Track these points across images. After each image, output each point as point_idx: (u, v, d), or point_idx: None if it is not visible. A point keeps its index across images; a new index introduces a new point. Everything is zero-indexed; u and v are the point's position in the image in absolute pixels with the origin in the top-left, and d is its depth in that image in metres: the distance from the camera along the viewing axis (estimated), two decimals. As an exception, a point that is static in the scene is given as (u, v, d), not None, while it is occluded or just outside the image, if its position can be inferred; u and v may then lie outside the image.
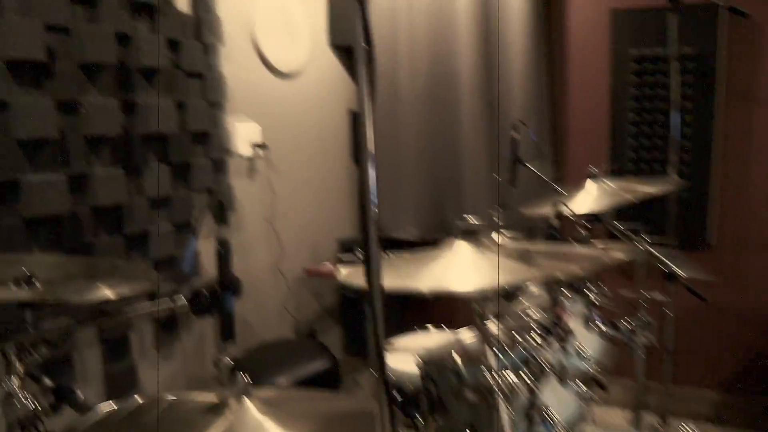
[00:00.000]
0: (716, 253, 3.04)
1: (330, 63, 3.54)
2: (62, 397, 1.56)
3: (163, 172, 2.52)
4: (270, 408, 1.16)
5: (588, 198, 2.26)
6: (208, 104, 2.73)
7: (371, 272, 0.90)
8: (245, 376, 1.18)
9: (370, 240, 0.91)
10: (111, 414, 1.28)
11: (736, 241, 3.01)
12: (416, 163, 3.58)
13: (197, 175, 2.68)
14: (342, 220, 3.71)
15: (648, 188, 2.26)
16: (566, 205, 2.06)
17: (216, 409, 1.15)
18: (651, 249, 2.23)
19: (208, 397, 1.20)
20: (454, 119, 3.48)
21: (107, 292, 1.51)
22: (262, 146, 3.03)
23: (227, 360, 2.68)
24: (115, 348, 2.41)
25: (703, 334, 3.13)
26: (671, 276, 2.25)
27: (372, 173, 0.92)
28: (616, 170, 3.15)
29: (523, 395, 1.51)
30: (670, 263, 2.21)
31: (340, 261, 3.28)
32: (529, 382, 1.51)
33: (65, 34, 2.15)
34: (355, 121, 3.74)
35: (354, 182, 3.79)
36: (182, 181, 2.63)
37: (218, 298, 1.45)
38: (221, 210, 1.47)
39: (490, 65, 3.35)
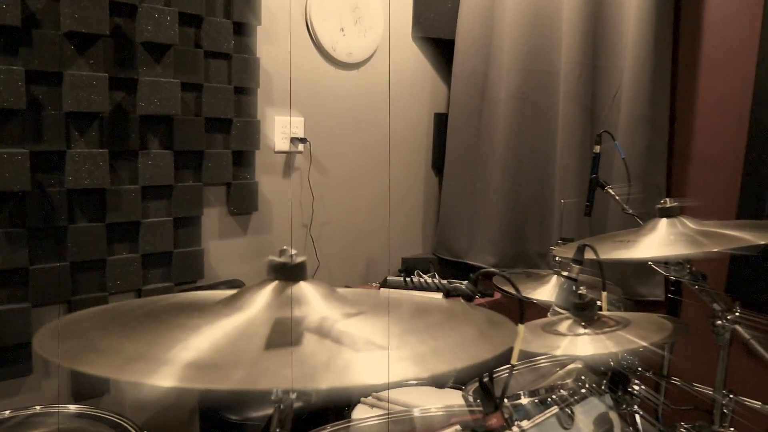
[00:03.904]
0: None
1: (405, 56, 3.06)
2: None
3: (165, 158, 2.27)
4: None
5: (653, 242, 1.55)
6: (235, 89, 2.43)
7: None
8: None
9: None
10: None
11: None
12: (500, 179, 2.99)
13: (211, 165, 2.40)
14: (410, 237, 3.23)
15: (748, 236, 1.48)
16: (592, 248, 1.38)
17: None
18: (742, 331, 1.50)
19: None
20: (549, 128, 2.85)
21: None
22: (303, 141, 2.67)
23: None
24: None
25: None
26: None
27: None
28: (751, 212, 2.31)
29: None
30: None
31: (385, 282, 2.81)
32: None
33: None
34: (441, 124, 3.23)
35: (426, 194, 3.28)
36: (190, 171, 2.36)
37: None
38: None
39: (596, 65, 2.67)
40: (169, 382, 0.59)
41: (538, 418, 1.05)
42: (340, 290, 0.87)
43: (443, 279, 2.91)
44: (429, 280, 2.85)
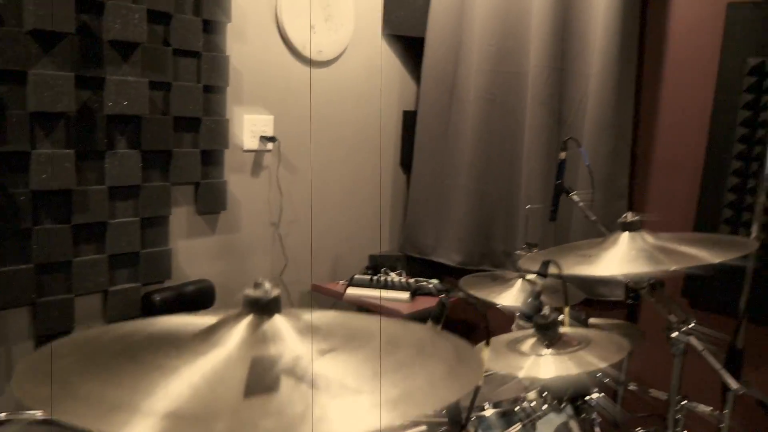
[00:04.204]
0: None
1: (375, 54, 3.07)
2: None
3: (132, 158, 2.24)
4: None
5: (614, 257, 1.61)
6: (204, 88, 2.42)
7: None
8: None
9: None
10: None
11: None
12: (468, 177, 3.03)
13: (179, 165, 2.38)
14: (376, 234, 3.26)
15: (705, 254, 1.54)
16: (556, 264, 1.43)
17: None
18: (696, 343, 1.57)
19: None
20: (516, 130, 2.89)
21: None
22: (272, 139, 2.66)
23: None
24: None
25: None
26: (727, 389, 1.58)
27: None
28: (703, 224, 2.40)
29: None
30: (723, 370, 1.54)
31: (351, 281, 2.84)
32: None
33: None
34: (410, 122, 3.25)
35: (394, 191, 3.31)
36: (158, 171, 2.34)
37: None
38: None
39: (564, 69, 2.72)
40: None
41: (503, 435, 1.09)
42: (314, 316, 0.89)
43: (411, 277, 2.96)
44: (396, 279, 2.89)
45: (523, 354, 1.17)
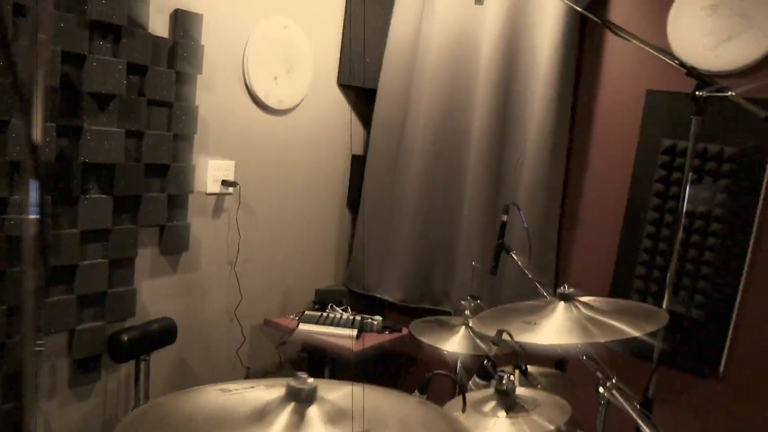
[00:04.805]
0: (727, 384, 2.60)
1: (329, 102, 3.28)
2: None
3: (105, 204, 2.34)
4: None
5: (552, 326, 1.87)
6: (174, 136, 2.54)
7: None
8: None
9: None
10: None
11: (749, 371, 2.55)
12: (411, 221, 3.27)
13: (147, 209, 2.49)
14: (322, 270, 3.45)
15: (627, 327, 1.82)
16: (507, 332, 1.69)
17: None
18: (617, 398, 1.86)
19: None
20: (459, 182, 3.16)
21: None
22: (232, 184, 2.81)
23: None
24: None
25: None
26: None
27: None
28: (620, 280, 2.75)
29: None
30: (638, 418, 1.83)
31: (302, 317, 3.02)
32: None
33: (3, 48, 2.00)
34: (358, 165, 3.47)
35: (340, 230, 3.52)
36: (128, 215, 2.45)
37: None
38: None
39: (504, 131, 3.02)
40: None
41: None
42: (336, 396, 1.08)
43: (355, 312, 3.17)
44: (344, 316, 3.09)
45: (485, 415, 1.41)
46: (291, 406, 1.01)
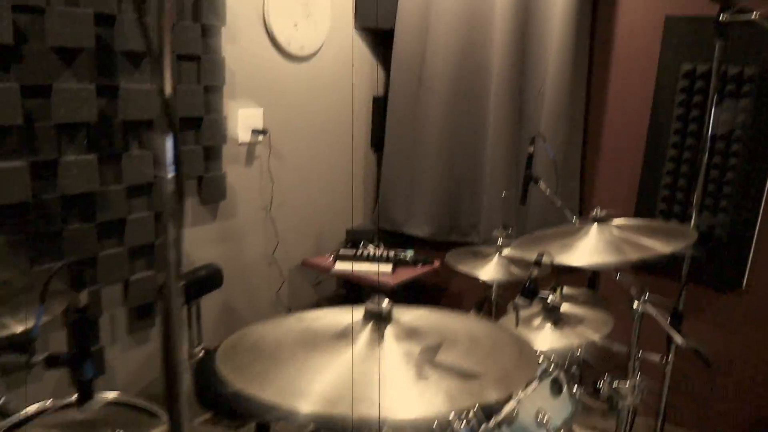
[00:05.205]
0: (750, 297, 2.72)
1: (348, 46, 3.31)
2: None
3: (146, 159, 2.44)
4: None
5: (587, 247, 1.98)
6: (204, 89, 2.61)
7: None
8: None
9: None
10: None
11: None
12: (436, 158, 3.35)
13: (185, 162, 2.59)
14: (350, 210, 3.56)
15: (658, 245, 1.93)
16: (549, 254, 1.79)
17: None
18: (651, 311, 1.99)
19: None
20: (481, 117, 3.22)
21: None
22: (262, 132, 2.89)
23: (198, 352, 2.65)
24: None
25: (714, 382, 2.84)
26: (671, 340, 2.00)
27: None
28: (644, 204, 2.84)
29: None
30: (670, 328, 1.96)
31: (338, 256, 3.15)
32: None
33: (38, 14, 2.06)
34: (379, 107, 3.53)
35: (368, 171, 3.61)
36: (167, 169, 2.54)
37: (76, 367, 1.34)
38: (79, 274, 1.36)
39: (524, 63, 3.05)
40: (311, 409, 0.92)
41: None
42: (411, 317, 1.19)
43: (387, 249, 3.29)
44: (377, 252, 3.21)
45: (535, 329, 1.53)
46: (370, 326, 1.13)
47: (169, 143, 0.70)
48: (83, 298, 1.34)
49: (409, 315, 1.19)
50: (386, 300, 1.13)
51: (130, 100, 2.34)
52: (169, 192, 0.71)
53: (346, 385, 0.98)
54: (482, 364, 1.07)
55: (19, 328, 1.43)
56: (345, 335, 1.12)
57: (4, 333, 1.38)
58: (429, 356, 1.05)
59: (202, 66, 2.58)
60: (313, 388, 0.97)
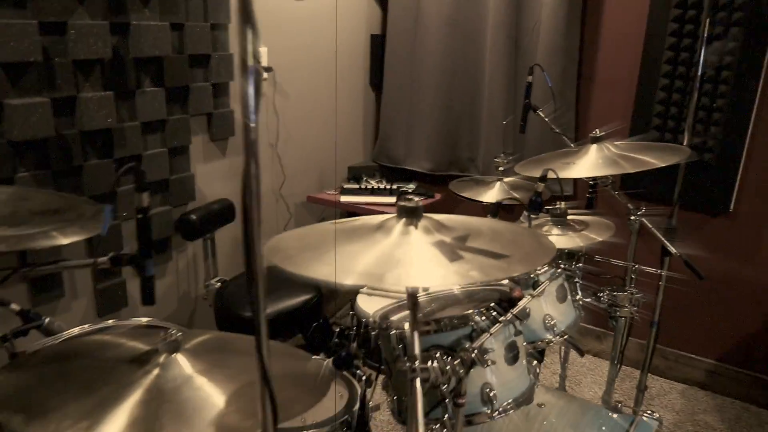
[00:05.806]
0: (737, 220, 2.88)
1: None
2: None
3: (158, 95, 2.51)
4: (200, 364, 1.18)
5: (586, 163, 2.11)
6: (210, 26, 2.66)
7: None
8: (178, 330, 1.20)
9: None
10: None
11: (757, 208, 2.83)
12: (434, 94, 3.44)
13: (195, 99, 2.66)
14: (354, 147, 3.65)
15: (653, 159, 2.07)
16: (552, 170, 1.91)
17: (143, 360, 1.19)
18: (646, 222, 2.13)
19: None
20: (478, 52, 3.30)
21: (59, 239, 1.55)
22: (267, 69, 2.96)
23: (215, 283, 2.78)
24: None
25: (704, 302, 3.03)
26: (666, 251, 2.15)
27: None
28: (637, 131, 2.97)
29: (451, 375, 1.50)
30: (665, 239, 2.10)
31: (342, 190, 3.26)
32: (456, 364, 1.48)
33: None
34: (377, 45, 3.59)
35: (366, 108, 3.69)
36: (178, 105, 2.62)
37: (139, 265, 1.46)
38: (141, 177, 1.44)
39: (519, -4, 3.12)
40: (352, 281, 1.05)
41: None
42: (439, 219, 1.31)
43: (390, 183, 3.40)
44: (380, 186, 3.32)
45: (547, 234, 1.66)
46: (403, 221, 1.25)
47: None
48: (146, 198, 1.43)
49: (436, 216, 1.31)
50: (416, 197, 1.24)
51: (141, 37, 2.39)
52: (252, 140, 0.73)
53: (386, 264, 1.11)
54: (506, 249, 1.19)
55: (65, 241, 1.52)
56: (380, 229, 1.24)
57: (54, 243, 1.46)
58: (459, 243, 1.18)
59: (208, 3, 2.63)
60: (355, 267, 1.10)
